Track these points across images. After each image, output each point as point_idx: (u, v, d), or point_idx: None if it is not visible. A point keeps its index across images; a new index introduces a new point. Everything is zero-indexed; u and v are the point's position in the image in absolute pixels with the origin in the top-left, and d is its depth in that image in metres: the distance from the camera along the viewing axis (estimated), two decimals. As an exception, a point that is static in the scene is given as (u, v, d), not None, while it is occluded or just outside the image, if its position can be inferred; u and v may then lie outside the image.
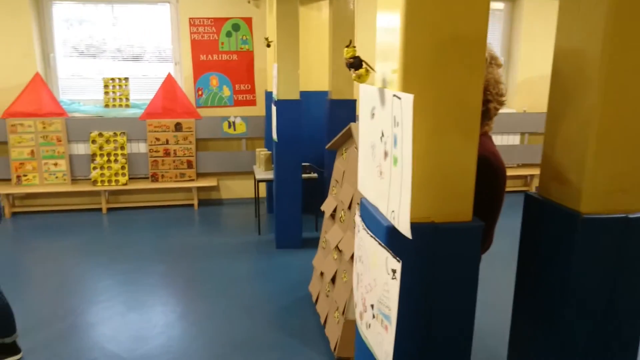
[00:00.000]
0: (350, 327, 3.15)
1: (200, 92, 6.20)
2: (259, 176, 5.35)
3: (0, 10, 5.78)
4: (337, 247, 3.44)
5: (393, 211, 1.34)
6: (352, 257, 3.12)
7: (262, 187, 6.24)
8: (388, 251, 1.35)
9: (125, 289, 4.18)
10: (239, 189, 6.64)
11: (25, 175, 6.06)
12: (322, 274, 3.77)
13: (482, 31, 1.31)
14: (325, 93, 5.32)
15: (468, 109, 1.34)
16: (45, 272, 4.61)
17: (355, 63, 1.50)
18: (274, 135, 4.84)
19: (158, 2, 6.30)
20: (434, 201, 1.39)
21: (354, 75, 1.52)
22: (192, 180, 6.34)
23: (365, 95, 1.57)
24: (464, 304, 1.46)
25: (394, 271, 1.32)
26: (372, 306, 1.47)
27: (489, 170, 1.69)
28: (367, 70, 1.50)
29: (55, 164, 6.11)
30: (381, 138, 1.43)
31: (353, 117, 4.90)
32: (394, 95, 1.30)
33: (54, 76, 6.29)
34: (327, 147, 3.91)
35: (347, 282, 3.21)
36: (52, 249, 5.18)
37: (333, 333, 3.31)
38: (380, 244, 1.41)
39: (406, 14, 1.27)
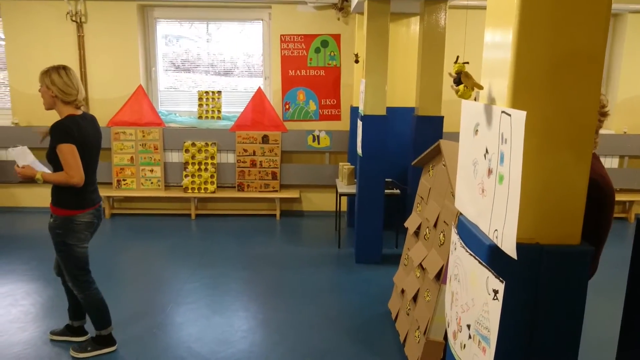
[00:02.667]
0: (432, 347, 3.07)
1: (287, 106, 6.39)
2: (341, 190, 5.39)
3: (112, 28, 6.30)
4: (420, 264, 3.39)
5: (496, 230, 1.31)
6: (436, 275, 3.06)
7: (344, 200, 6.28)
8: (490, 271, 1.32)
9: (211, 292, 4.35)
10: (320, 201, 6.72)
11: (124, 180, 6.52)
12: (403, 291, 3.72)
13: (600, 46, 1.26)
14: (410, 109, 5.29)
15: (582, 127, 1.29)
16: (138, 271, 4.91)
17: (457, 79, 1.49)
18: (359, 150, 4.87)
19: (252, 19, 6.59)
20: (540, 222, 1.34)
21: (456, 90, 1.51)
22: (276, 191, 6.51)
23: (468, 111, 1.55)
24: (567, 332, 1.39)
25: (495, 292, 1.28)
26: (468, 326, 1.44)
27: (598, 193, 1.61)
28: (466, 87, 1.48)
29: (151, 171, 6.53)
30: (485, 155, 1.40)
31: (440, 134, 4.83)
32: (503, 112, 1.28)
33: (154, 88, 6.74)
34: (413, 163, 3.87)
35: (429, 301, 3.15)
36: (145, 249, 5.51)
37: (413, 352, 3.25)
38: (480, 262, 1.37)
39: (519, 30, 1.25)
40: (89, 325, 3.44)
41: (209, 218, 6.51)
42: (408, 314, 3.50)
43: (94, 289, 3.26)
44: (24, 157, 3.10)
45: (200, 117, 6.57)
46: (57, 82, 2.99)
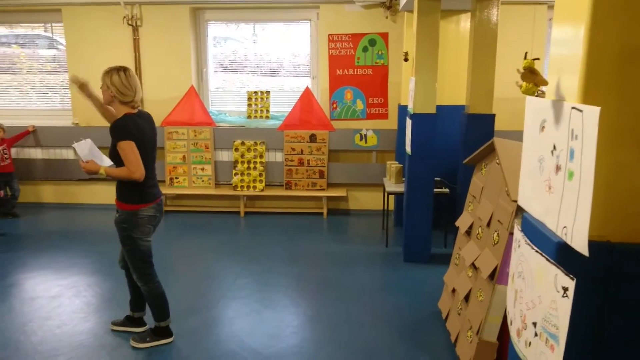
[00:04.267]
0: (485, 348, 3.04)
1: (334, 105, 6.42)
2: (389, 188, 5.39)
3: (166, 31, 6.51)
4: (472, 264, 3.35)
5: (565, 227, 1.30)
6: (490, 275, 3.02)
7: (391, 199, 6.26)
8: (559, 268, 1.31)
9: (261, 288, 4.44)
10: (366, 200, 6.73)
11: (177, 178, 6.72)
12: (453, 290, 3.69)
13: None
14: (460, 107, 5.22)
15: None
16: (191, 266, 5.06)
17: (524, 74, 1.48)
18: (408, 149, 4.85)
19: (299, 20, 6.66)
20: (611, 219, 1.32)
21: (520, 86, 1.50)
22: (323, 189, 6.57)
23: (533, 108, 1.54)
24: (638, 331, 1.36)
25: (565, 289, 1.27)
26: (534, 324, 1.43)
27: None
28: (530, 84, 1.47)
29: (202, 169, 6.71)
30: (552, 152, 1.39)
31: (491, 133, 4.75)
32: (574, 108, 1.27)
33: (205, 89, 6.92)
34: (465, 162, 3.83)
35: (482, 301, 3.11)
36: (197, 245, 5.67)
37: (465, 352, 3.22)
38: (548, 260, 1.36)
39: (592, 23, 1.23)
40: (147, 317, 3.58)
41: (257, 216, 6.63)
42: (459, 314, 3.47)
43: (156, 281, 3.40)
44: (88, 151, 3.23)
45: (249, 117, 6.70)
46: (116, 82, 3.13)
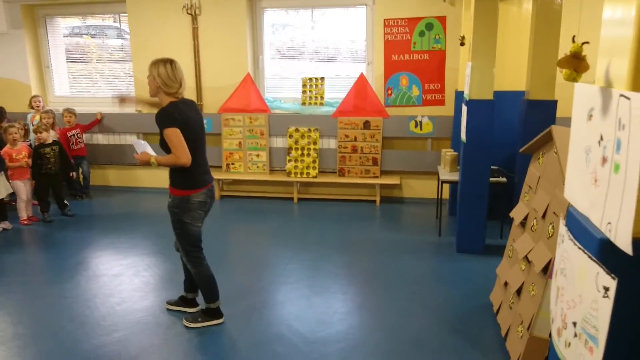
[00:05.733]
0: (535, 344, 2.93)
1: (389, 92, 6.32)
2: (443, 177, 5.26)
3: (224, 19, 6.63)
4: (526, 257, 3.22)
5: (609, 223, 1.22)
6: (543, 269, 2.90)
7: (446, 188, 6.12)
8: (600, 266, 1.23)
9: (311, 274, 4.49)
10: (421, 188, 6.62)
11: (233, 164, 6.89)
12: (506, 283, 3.57)
13: None
14: (520, 93, 5.00)
15: None
16: (244, 250, 5.18)
17: (562, 60, 1.39)
18: (463, 136, 4.71)
19: (355, 5, 6.58)
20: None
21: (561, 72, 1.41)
22: (376, 177, 6.51)
23: (581, 95, 1.45)
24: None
25: (606, 289, 1.20)
26: (574, 324, 1.36)
27: None
28: (573, 70, 1.37)
29: (258, 155, 6.82)
30: (599, 142, 1.30)
31: (552, 120, 4.52)
32: (621, 95, 1.18)
33: (261, 76, 7.01)
34: (521, 150, 3.68)
35: (535, 295, 2.99)
36: (250, 230, 5.81)
37: (515, 348, 3.12)
38: (590, 257, 1.29)
39: (643, 5, 1.13)
40: (200, 298, 3.71)
41: (310, 202, 6.68)
42: (511, 308, 3.36)
43: (205, 265, 3.51)
44: (143, 148, 3.42)
45: (303, 104, 6.73)
46: (162, 74, 3.23)
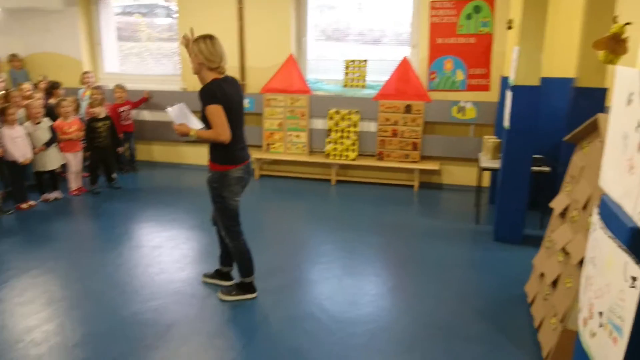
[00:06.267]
0: (569, 338, 2.86)
1: (433, 76, 6.20)
2: (483, 164, 5.16)
3: (268, 0, 6.66)
4: (563, 248, 3.14)
5: (641, 212, 1.18)
6: (581, 261, 2.82)
7: (486, 175, 6.00)
8: (630, 256, 1.19)
9: (344, 255, 4.52)
10: (461, 175, 6.51)
11: (272, 144, 6.96)
12: (542, 275, 3.49)
13: None
14: (569, 80, 4.81)
15: None
16: (280, 228, 5.26)
17: (599, 42, 1.33)
18: (506, 123, 4.59)
19: (402, -14, 6.47)
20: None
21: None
22: (416, 162, 6.44)
23: (621, 78, 1.39)
24: None
25: (634, 279, 1.16)
26: (600, 314, 1.33)
27: None
28: (607, 52, 1.31)
29: (298, 136, 6.87)
30: (636, 128, 1.25)
31: (601, 109, 4.33)
32: (661, 79, 1.13)
33: (304, 57, 7.01)
34: (565, 138, 3.56)
35: (570, 288, 2.92)
36: (287, 209, 5.88)
37: (547, 340, 3.06)
38: (620, 246, 1.25)
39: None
40: (235, 272, 3.81)
41: (348, 185, 6.68)
42: (546, 300, 3.29)
43: (242, 239, 3.60)
44: (182, 115, 3.42)
45: (345, 86, 6.70)
46: (203, 50, 3.29)
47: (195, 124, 3.39)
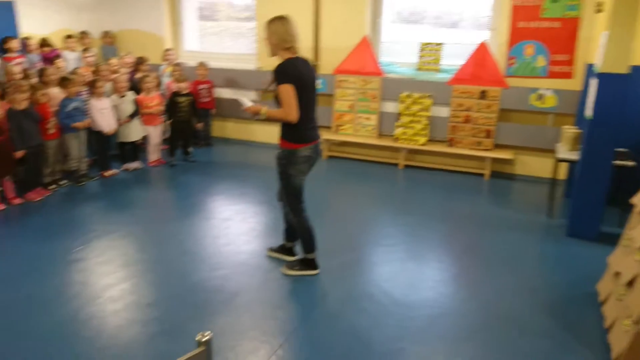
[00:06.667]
0: (642, 341, 2.72)
1: (512, 61, 5.94)
2: (561, 155, 4.91)
3: (345, -21, 6.62)
4: (643, 247, 2.96)
5: None
6: (661, 262, 2.65)
7: (563, 167, 5.71)
8: None
9: (408, 239, 4.49)
10: (536, 166, 6.24)
11: (342, 125, 6.98)
12: (617, 274, 3.31)
13: None
14: (665, 69, 4.46)
15: None
16: (345, 209, 5.30)
17: None
18: (588, 112, 4.34)
19: (484, -34, 6.22)
20: None
21: None
22: (488, 150, 6.24)
23: None
24: None
25: None
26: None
27: None
28: None
29: (368, 118, 6.85)
30: None
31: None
32: None
33: (378, 39, 6.94)
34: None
35: (648, 289, 2.76)
36: (353, 191, 5.91)
37: (618, 341, 2.91)
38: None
39: None
40: (299, 249, 3.90)
41: (415, 170, 6.60)
42: (620, 300, 3.12)
43: (305, 216, 3.68)
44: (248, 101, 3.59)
45: (419, 69, 6.58)
46: (277, 30, 3.36)
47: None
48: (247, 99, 3.65)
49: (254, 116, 3.48)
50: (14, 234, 4.47)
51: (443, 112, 6.48)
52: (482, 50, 6.09)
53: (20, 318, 3.19)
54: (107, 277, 3.72)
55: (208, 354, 1.55)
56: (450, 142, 6.43)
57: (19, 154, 4.90)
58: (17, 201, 5.03)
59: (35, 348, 2.91)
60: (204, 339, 1.53)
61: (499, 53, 6.10)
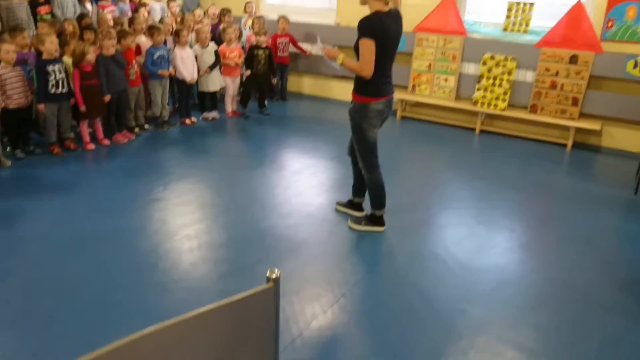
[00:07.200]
0: None
1: (610, 24, 5.51)
2: (656, 128, 4.56)
3: None
4: None
5: None
6: None
7: (657, 143, 5.32)
8: None
9: (478, 204, 4.40)
10: (625, 139, 5.83)
11: (419, 86, 6.82)
12: None
13: None
14: None
15: None
16: (417, 170, 5.24)
17: None
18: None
19: None
20: None
21: None
22: (573, 119, 5.89)
23: None
24: None
25: None
26: None
27: None
28: None
29: (446, 80, 6.64)
30: None
31: None
32: None
33: (464, -4, 6.64)
34: None
35: None
36: (426, 153, 5.82)
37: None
38: None
39: None
40: (367, 204, 3.93)
41: (493, 136, 6.37)
42: None
43: (378, 172, 3.68)
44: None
45: (505, 30, 6.25)
46: None
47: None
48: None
49: (330, 61, 3.45)
50: (104, 171, 4.81)
51: (527, 76, 6.15)
52: (577, 11, 5.67)
53: (107, 248, 3.47)
54: (184, 217, 3.94)
55: (276, 291, 1.62)
56: (533, 109, 6.12)
57: (107, 97, 5.21)
58: (106, 142, 5.38)
59: (119, 274, 3.17)
60: (273, 276, 1.60)
61: (595, 15, 5.66)
